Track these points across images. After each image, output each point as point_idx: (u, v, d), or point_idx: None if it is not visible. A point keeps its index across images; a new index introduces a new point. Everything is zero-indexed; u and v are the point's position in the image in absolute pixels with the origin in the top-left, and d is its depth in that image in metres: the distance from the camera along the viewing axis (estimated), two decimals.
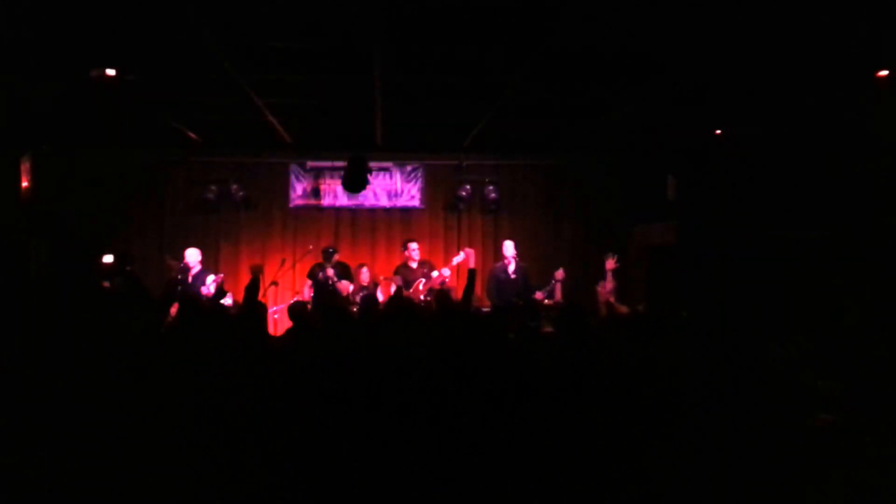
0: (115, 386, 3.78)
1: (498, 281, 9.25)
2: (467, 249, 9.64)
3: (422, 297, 8.86)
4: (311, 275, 9.22)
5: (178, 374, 3.98)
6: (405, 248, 9.41)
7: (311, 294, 9.09)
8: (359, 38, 5.69)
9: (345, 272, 9.18)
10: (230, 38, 5.76)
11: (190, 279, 8.66)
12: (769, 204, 8.03)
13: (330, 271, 9.02)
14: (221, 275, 9.06)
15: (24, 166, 8.67)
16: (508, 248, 9.31)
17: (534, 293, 8.80)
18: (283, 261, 9.69)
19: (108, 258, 8.25)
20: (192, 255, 8.82)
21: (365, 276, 9.31)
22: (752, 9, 5.04)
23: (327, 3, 5.09)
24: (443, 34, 5.72)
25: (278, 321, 9.36)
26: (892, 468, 3.49)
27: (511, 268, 9.27)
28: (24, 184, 8.67)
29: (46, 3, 5.03)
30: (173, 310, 6.78)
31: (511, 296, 8.78)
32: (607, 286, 8.33)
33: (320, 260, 9.35)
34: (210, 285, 8.53)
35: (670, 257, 9.22)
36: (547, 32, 5.51)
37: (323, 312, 6.24)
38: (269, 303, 9.52)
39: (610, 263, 8.55)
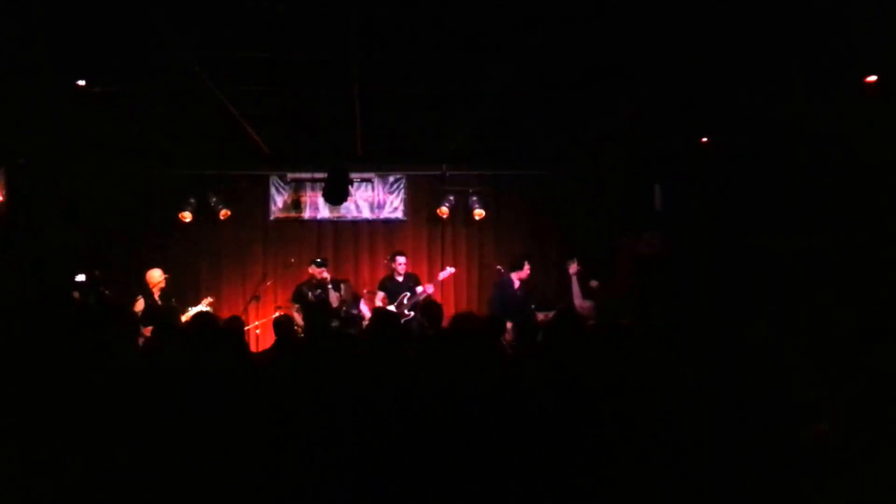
0: (89, 404, 3.69)
1: (503, 294, 9.07)
2: (449, 268, 9.62)
3: (406, 311, 8.77)
4: (298, 297, 8.97)
5: (154, 392, 3.89)
6: (392, 260, 9.29)
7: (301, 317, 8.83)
8: (337, 49, 5.63)
9: (335, 286, 9.01)
10: (207, 50, 5.69)
11: (157, 299, 8.44)
12: (756, 212, 8.00)
13: (326, 274, 8.89)
14: (210, 298, 8.93)
15: (0, 180, 8.53)
16: (526, 269, 9.10)
17: (535, 313, 8.68)
18: (265, 275, 9.57)
19: (79, 277, 8.12)
20: (155, 275, 8.59)
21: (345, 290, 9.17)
22: (736, 16, 5.00)
23: (305, 15, 5.02)
24: (421, 45, 5.67)
25: (260, 336, 9.25)
26: (888, 479, 3.45)
27: (517, 283, 9.08)
28: None
29: (24, 16, 4.93)
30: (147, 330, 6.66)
31: (516, 310, 8.62)
32: (574, 290, 8.34)
33: (304, 276, 9.22)
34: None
35: (658, 267, 9.18)
36: (527, 43, 5.47)
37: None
38: (251, 318, 9.41)
39: (573, 268, 8.58)
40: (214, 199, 9.98)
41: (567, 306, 8.09)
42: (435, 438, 3.49)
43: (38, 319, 5.70)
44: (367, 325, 7.57)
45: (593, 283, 8.38)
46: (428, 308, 6.27)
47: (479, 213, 10.33)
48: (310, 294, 8.79)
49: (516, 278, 9.03)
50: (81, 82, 6.23)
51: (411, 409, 3.65)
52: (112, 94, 6.69)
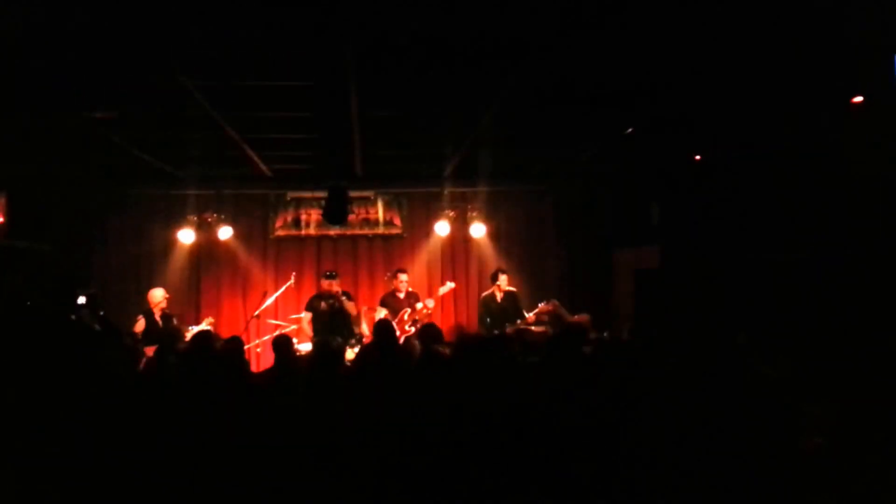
0: (89, 424, 3.72)
1: (489, 309, 9.29)
2: (450, 283, 9.63)
3: (407, 327, 8.79)
4: (311, 307, 9.04)
5: (154, 412, 3.91)
6: (394, 277, 9.32)
7: (311, 328, 8.92)
8: (334, 74, 5.69)
9: (348, 297, 9.01)
10: (207, 77, 5.76)
11: (158, 320, 8.49)
12: (750, 226, 8.05)
13: (336, 287, 8.86)
14: (211, 318, 8.96)
15: (0, 201, 8.56)
16: (503, 280, 9.33)
17: (523, 318, 8.82)
18: (265, 293, 9.59)
19: (80, 299, 8.15)
20: (157, 295, 8.62)
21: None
22: (727, 35, 5.06)
23: (301, 41, 5.10)
24: (417, 68, 5.73)
25: (260, 355, 9.25)
26: (883, 491, 3.47)
27: (499, 296, 9.28)
28: (0, 219, 8.56)
29: (28, 44, 5.00)
30: (149, 350, 6.68)
31: (502, 322, 8.82)
32: (566, 317, 8.39)
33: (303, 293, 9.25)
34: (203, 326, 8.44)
35: (655, 280, 9.22)
36: (521, 65, 5.53)
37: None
38: (252, 336, 9.42)
39: (553, 304, 8.72)
40: (215, 218, 10.01)
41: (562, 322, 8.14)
42: (435, 454, 3.48)
43: (37, 340, 5.73)
44: (371, 338, 7.61)
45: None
46: (426, 330, 6.29)
47: (477, 228, 10.36)
48: (322, 304, 8.83)
49: (497, 291, 9.23)
50: (94, 113, 6.32)
51: (414, 425, 3.67)
52: (113, 118, 6.76)
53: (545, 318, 8.62)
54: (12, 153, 7.86)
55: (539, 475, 3.43)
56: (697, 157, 8.59)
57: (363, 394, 4.13)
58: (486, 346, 4.84)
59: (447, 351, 5.23)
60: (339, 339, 8.20)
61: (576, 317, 7.21)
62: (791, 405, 4.12)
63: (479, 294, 10.51)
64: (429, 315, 9.08)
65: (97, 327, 7.67)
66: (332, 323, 8.67)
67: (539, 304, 8.83)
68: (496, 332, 8.43)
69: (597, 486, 3.45)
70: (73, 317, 8.45)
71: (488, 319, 9.17)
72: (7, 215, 8.63)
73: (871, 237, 6.48)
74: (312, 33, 4.95)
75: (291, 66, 5.59)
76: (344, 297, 8.81)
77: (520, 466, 3.45)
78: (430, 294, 9.76)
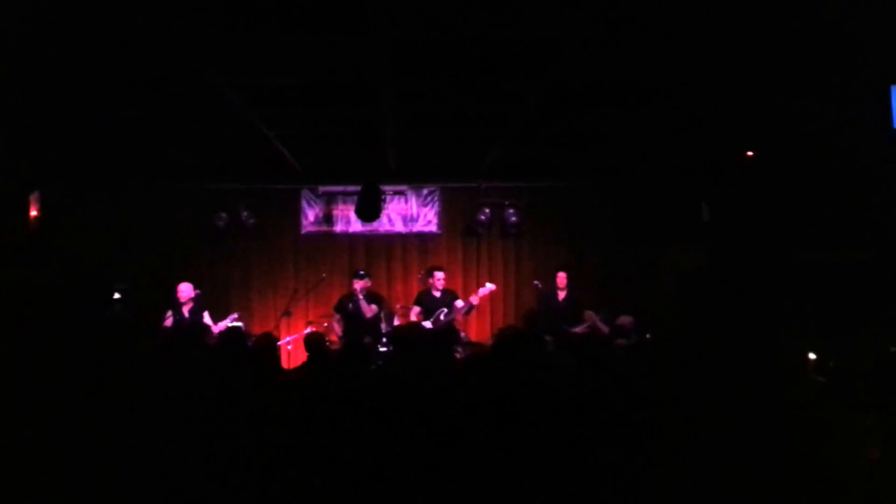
0: (119, 420, 3.71)
1: (547, 306, 9.20)
2: (489, 285, 9.37)
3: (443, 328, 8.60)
4: (340, 308, 8.86)
5: (187, 408, 3.87)
6: (430, 275, 9.06)
7: (341, 329, 8.72)
8: (366, 71, 5.63)
9: (374, 299, 8.84)
10: (238, 75, 5.74)
11: (186, 314, 8.35)
12: (803, 226, 7.80)
13: (359, 284, 8.64)
14: (236, 314, 8.87)
15: (34, 196, 8.60)
16: (561, 279, 9.27)
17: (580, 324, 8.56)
18: (296, 290, 9.52)
19: (115, 295, 8.15)
20: (185, 290, 8.46)
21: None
22: (782, 29, 4.89)
23: (333, 40, 5.03)
24: (450, 66, 5.64)
25: (291, 353, 9.16)
26: None
27: (561, 294, 9.19)
28: (33, 213, 8.61)
29: (59, 40, 4.97)
30: None
31: (559, 321, 8.65)
32: (603, 329, 8.10)
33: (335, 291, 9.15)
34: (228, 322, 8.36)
35: (702, 280, 9.02)
36: (558, 62, 5.40)
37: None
38: (282, 334, 9.34)
39: (589, 316, 8.50)
40: (245, 214, 9.94)
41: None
42: (463, 454, 3.44)
43: (71, 333, 5.74)
44: (391, 341, 7.49)
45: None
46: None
47: (515, 225, 10.17)
48: (350, 304, 8.69)
49: (558, 289, 9.21)
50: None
51: (435, 424, 3.61)
52: (146, 115, 6.79)
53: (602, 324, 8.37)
54: (46, 149, 7.89)
55: (557, 474, 3.40)
56: (749, 153, 8.32)
57: (391, 392, 4.03)
58: (520, 343, 4.78)
59: (463, 354, 5.16)
60: (369, 339, 8.12)
61: (620, 319, 6.95)
62: (844, 414, 3.97)
63: (517, 294, 10.35)
64: (465, 316, 8.93)
65: (130, 323, 7.69)
66: (357, 323, 8.54)
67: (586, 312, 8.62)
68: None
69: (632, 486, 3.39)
70: (108, 312, 8.50)
71: (542, 316, 9.00)
72: (41, 211, 8.68)
73: None
74: (345, 30, 4.87)
75: (323, 62, 5.52)
76: (361, 298, 8.59)
77: (538, 462, 3.41)
78: (466, 293, 9.57)
